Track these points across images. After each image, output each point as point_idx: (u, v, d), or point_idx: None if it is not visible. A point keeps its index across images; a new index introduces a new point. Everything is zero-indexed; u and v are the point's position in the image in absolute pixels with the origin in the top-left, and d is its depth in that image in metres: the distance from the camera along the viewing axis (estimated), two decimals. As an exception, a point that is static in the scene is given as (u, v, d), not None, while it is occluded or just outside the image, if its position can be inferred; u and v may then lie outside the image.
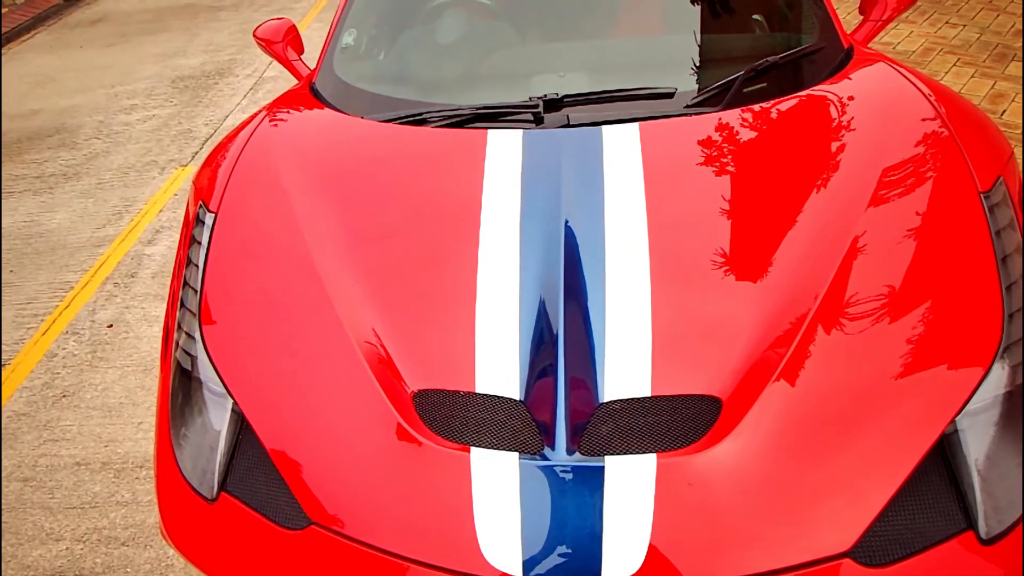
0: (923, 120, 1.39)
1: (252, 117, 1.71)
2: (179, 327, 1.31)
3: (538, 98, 1.50)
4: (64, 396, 2.30)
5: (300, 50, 2.20)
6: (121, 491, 1.94)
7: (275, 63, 4.65)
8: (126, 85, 4.86)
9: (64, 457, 2.08)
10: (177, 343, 1.29)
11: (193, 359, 1.24)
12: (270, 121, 1.66)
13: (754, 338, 1.09)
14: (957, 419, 1.00)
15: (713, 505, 0.95)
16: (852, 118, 1.42)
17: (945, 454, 1.00)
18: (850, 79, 1.53)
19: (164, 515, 1.17)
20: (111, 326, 2.59)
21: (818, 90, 1.51)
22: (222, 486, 1.12)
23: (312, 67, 1.95)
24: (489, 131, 1.46)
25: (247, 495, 1.10)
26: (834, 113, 1.44)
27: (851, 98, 1.46)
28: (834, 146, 1.36)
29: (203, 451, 1.16)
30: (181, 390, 1.24)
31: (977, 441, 1.00)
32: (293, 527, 1.05)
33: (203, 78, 4.77)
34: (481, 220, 1.30)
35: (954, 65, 3.54)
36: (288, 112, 1.71)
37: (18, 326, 2.68)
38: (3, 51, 5.95)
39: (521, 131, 1.45)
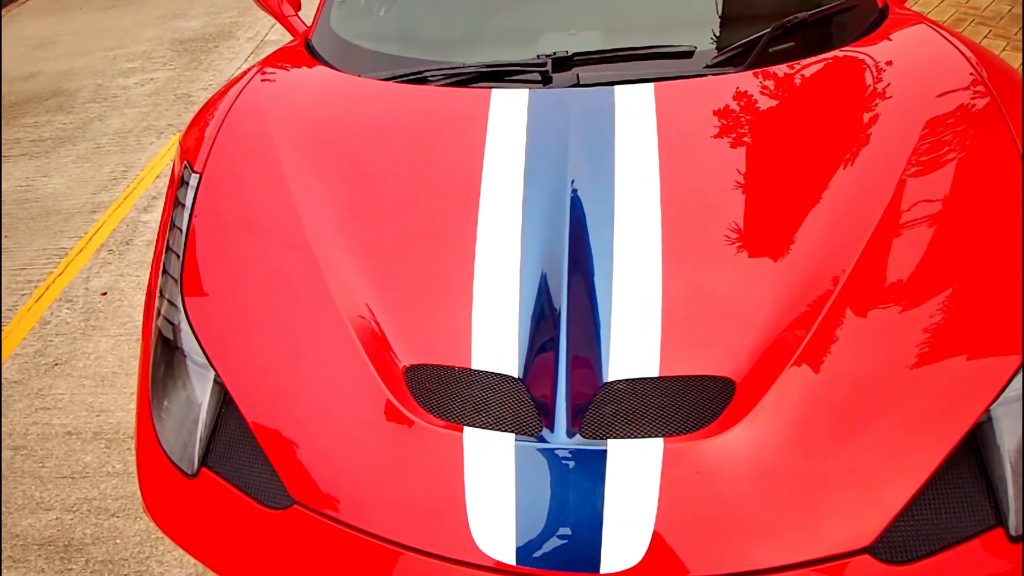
0: (965, 86, 1.28)
1: (243, 74, 1.62)
2: (161, 294, 1.24)
3: (546, 56, 1.40)
4: (56, 364, 2.26)
5: (297, 6, 2.09)
6: (112, 461, 1.90)
7: (278, 26, 4.51)
8: (125, 48, 4.75)
9: (56, 426, 2.04)
10: (159, 311, 1.23)
11: (175, 328, 1.18)
12: (261, 78, 1.57)
13: (773, 317, 1.02)
14: (991, 408, 0.92)
15: (723, 494, 0.89)
16: (887, 83, 1.31)
17: (977, 445, 0.92)
18: (885, 40, 1.42)
19: (144, 490, 1.12)
20: (105, 294, 2.53)
21: (850, 51, 1.40)
22: (203, 461, 1.06)
23: (309, 24, 1.85)
24: (493, 90, 1.37)
25: (228, 471, 1.04)
26: (867, 76, 1.34)
27: (888, 62, 1.35)
28: (866, 112, 1.26)
29: (184, 424, 1.10)
30: (163, 360, 1.18)
31: (1011, 431, 0.92)
32: (275, 506, 0.99)
33: (203, 41, 4.64)
34: (482, 186, 1.22)
35: (985, 37, 3.38)
36: (281, 69, 1.61)
37: (11, 293, 2.63)
38: (3, 13, 5.82)
39: (527, 90, 1.35)
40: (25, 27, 5.49)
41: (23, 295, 2.61)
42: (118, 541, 1.69)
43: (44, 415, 2.09)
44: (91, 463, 1.91)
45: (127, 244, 2.79)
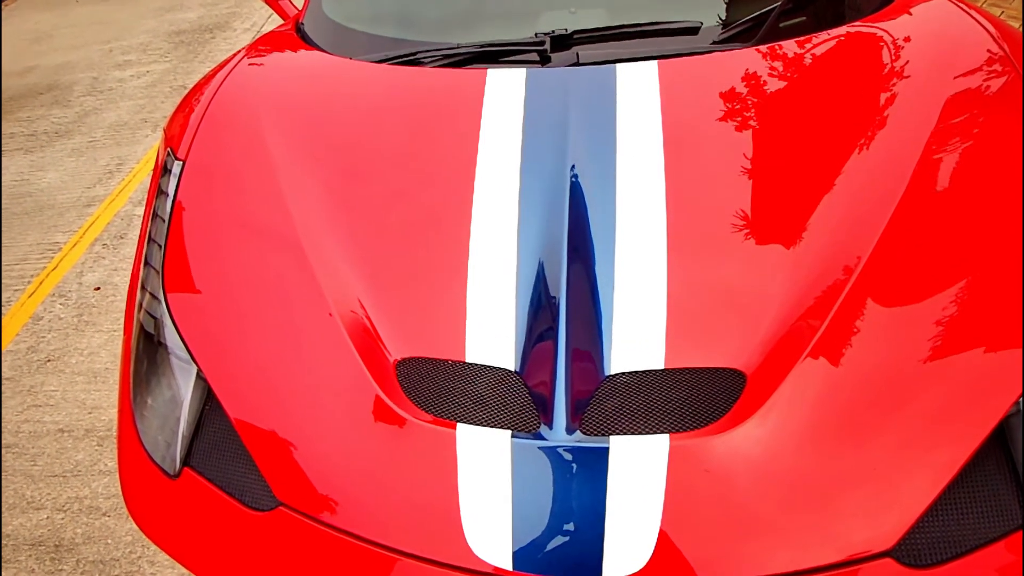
0: (988, 64, 1.21)
1: (230, 58, 1.56)
2: (143, 287, 1.19)
3: (544, 34, 1.34)
4: (49, 361, 2.22)
5: (288, -10, 2.03)
6: (104, 459, 1.86)
7: (274, 16, 4.45)
8: (122, 40, 4.70)
9: (47, 423, 2.00)
10: (140, 304, 1.17)
11: (157, 322, 1.12)
12: (248, 62, 1.51)
13: (785, 307, 0.95)
14: (1020, 400, 0.86)
15: (733, 495, 0.83)
16: (905, 60, 1.24)
17: (1005, 440, 0.86)
18: (903, 14, 1.35)
19: (125, 490, 1.07)
20: (98, 289, 2.49)
21: (865, 26, 1.33)
22: (185, 461, 1.01)
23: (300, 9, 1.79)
24: (489, 70, 1.30)
25: (211, 471, 0.99)
26: (884, 53, 1.27)
27: (906, 37, 1.28)
28: (882, 92, 1.19)
29: (167, 423, 1.05)
30: (145, 355, 1.13)
31: (1042, 426, 0.86)
32: (260, 508, 0.94)
33: (200, 32, 4.59)
34: (476, 171, 1.16)
35: (999, 16, 3.28)
36: (269, 53, 1.55)
37: (4, 288, 2.59)
38: (2, 8, 5.78)
39: (524, 70, 1.29)
40: (24, 21, 5.45)
41: (16, 291, 2.57)
42: (109, 541, 1.65)
43: (36, 412, 2.05)
44: (83, 461, 1.87)
45: (121, 238, 2.75)
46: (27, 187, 3.23)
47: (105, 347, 2.23)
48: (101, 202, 3.02)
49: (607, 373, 0.92)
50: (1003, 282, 0.95)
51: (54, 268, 2.65)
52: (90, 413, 2.01)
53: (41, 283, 2.58)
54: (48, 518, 1.74)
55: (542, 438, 0.88)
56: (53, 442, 1.94)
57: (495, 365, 0.95)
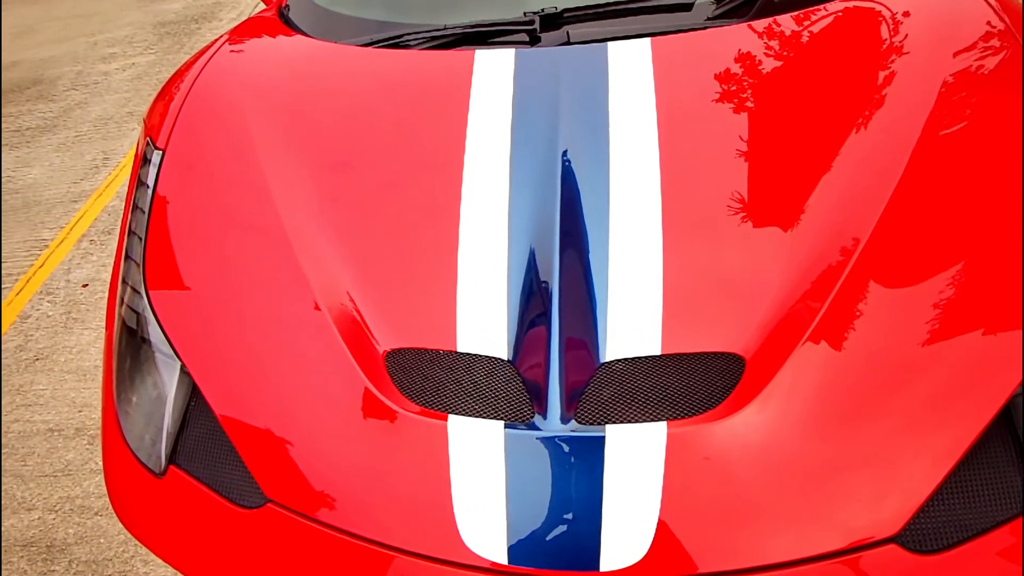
0: (989, 39, 1.17)
1: (211, 44, 1.51)
2: (124, 281, 1.16)
3: (533, 13, 1.30)
4: (38, 359, 2.19)
5: (271, -25, 1.98)
6: (95, 458, 1.84)
7: (260, 5, 4.38)
8: (107, 33, 4.63)
9: (37, 423, 1.97)
10: (122, 299, 1.14)
11: (139, 317, 1.09)
12: (230, 48, 1.47)
13: (784, 290, 0.93)
14: (1026, 380, 0.84)
15: (733, 482, 0.81)
16: (904, 35, 1.21)
17: (1012, 421, 0.84)
18: (900, -15, 1.31)
19: (111, 489, 1.05)
20: (86, 286, 2.45)
21: (863, 0, 1.29)
22: (171, 459, 0.99)
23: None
24: (476, 52, 1.27)
25: (198, 469, 0.97)
26: (882, 28, 1.23)
27: (905, 12, 1.25)
28: (881, 69, 1.16)
29: (151, 420, 1.02)
30: (128, 351, 1.10)
31: (1049, 406, 0.84)
32: (248, 505, 0.92)
33: (185, 23, 4.52)
34: (465, 157, 1.12)
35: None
36: (251, 38, 1.51)
37: (-8, 286, 2.56)
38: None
39: (513, 50, 1.25)
40: (6, 15, 5.36)
41: (4, 289, 2.53)
42: (102, 540, 1.63)
43: (25, 412, 2.02)
44: (73, 460, 1.84)
45: (109, 234, 2.71)
46: (13, 184, 3.18)
47: (94, 344, 2.20)
48: (88, 197, 2.97)
49: (602, 360, 0.90)
50: (1004, 262, 0.92)
51: (41, 265, 2.61)
52: (80, 412, 1.98)
53: (28, 280, 2.54)
54: (39, 518, 1.71)
55: (536, 428, 0.86)
56: (43, 441, 1.91)
57: (487, 354, 0.92)
